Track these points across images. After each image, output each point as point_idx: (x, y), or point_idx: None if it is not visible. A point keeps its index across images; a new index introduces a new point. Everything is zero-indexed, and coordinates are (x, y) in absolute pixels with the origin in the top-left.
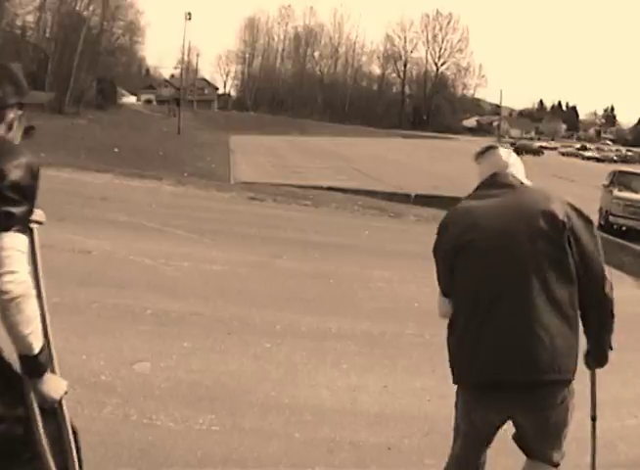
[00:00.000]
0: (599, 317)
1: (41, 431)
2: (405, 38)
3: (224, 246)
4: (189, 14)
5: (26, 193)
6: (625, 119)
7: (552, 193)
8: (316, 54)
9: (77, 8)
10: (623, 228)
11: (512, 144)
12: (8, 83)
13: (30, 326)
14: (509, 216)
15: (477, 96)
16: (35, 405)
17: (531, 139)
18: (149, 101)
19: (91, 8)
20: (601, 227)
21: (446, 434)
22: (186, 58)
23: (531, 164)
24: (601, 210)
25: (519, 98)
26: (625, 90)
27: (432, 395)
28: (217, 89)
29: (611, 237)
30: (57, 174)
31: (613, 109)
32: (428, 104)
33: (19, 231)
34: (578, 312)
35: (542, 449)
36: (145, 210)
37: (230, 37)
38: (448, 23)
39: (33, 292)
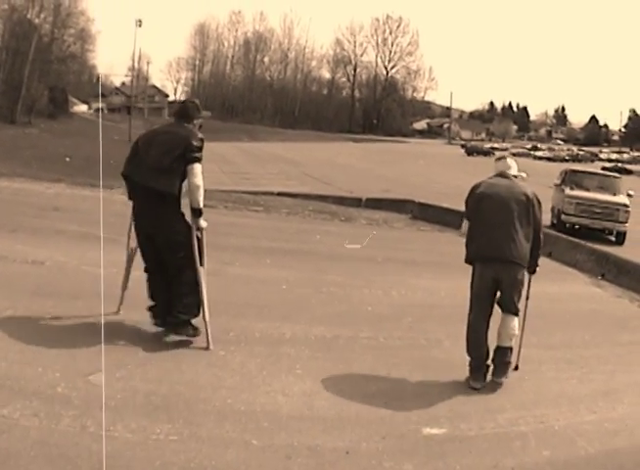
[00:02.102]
0: (536, 244)
1: (194, 242)
2: (355, 42)
3: None
4: (139, 21)
5: None
6: (576, 119)
7: (527, 186)
8: (266, 59)
9: (29, 16)
10: (576, 227)
11: (462, 146)
12: None
13: None
14: (504, 191)
15: (427, 99)
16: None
17: (482, 140)
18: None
19: (42, 16)
20: (553, 226)
21: (403, 436)
22: (137, 65)
23: (482, 166)
24: (553, 209)
25: (469, 100)
26: (576, 90)
27: (387, 397)
28: (168, 96)
29: (563, 236)
30: (8, 185)
31: (564, 109)
32: (378, 107)
33: None
34: (531, 240)
35: (510, 301)
36: (96, 219)
37: (181, 44)
38: (398, 26)
39: None
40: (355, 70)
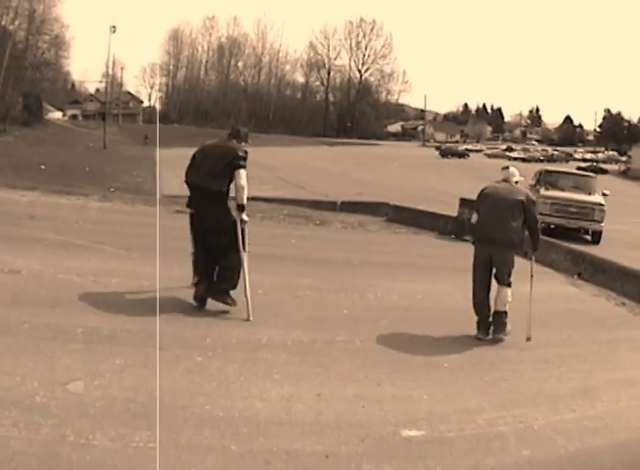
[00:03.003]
0: (534, 232)
1: (239, 231)
2: (329, 46)
3: (152, 260)
4: (114, 27)
5: None
6: (551, 119)
7: (523, 188)
8: (240, 64)
9: (3, 22)
10: (552, 226)
11: (437, 148)
12: None
13: None
14: (504, 192)
15: (401, 101)
16: (238, 222)
17: (457, 142)
18: (74, 116)
19: (17, 22)
20: None
21: (382, 439)
22: (111, 71)
23: (457, 168)
24: None
25: (443, 102)
26: (550, 90)
27: (366, 401)
28: (142, 102)
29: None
30: None
31: (538, 109)
32: (352, 111)
33: None
34: (522, 232)
35: (502, 276)
36: (72, 227)
37: (155, 49)
38: (372, 29)
39: None
40: (329, 74)
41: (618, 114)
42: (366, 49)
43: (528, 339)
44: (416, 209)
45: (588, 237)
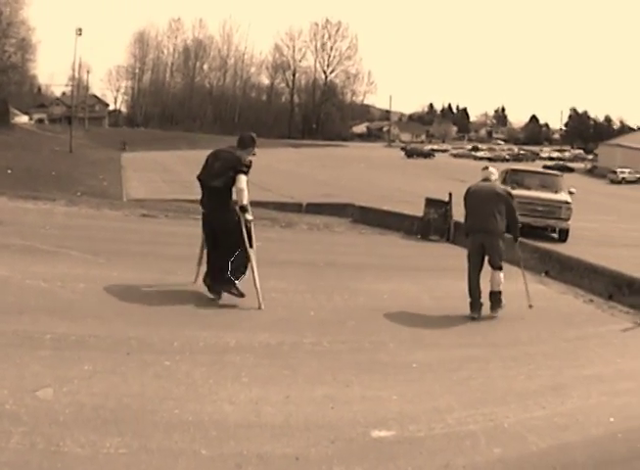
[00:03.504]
0: (513, 222)
1: (244, 230)
2: (294, 47)
3: (119, 265)
4: (80, 29)
5: None
6: (517, 119)
7: (501, 185)
8: (205, 66)
9: None
10: (519, 225)
11: (402, 148)
12: None
13: None
14: (487, 189)
15: (366, 102)
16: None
17: (422, 142)
18: (41, 120)
19: None
20: None
21: (352, 440)
22: (77, 75)
23: (422, 168)
24: None
25: (408, 102)
26: (516, 90)
27: (335, 402)
28: (108, 106)
29: (506, 234)
30: None
31: (503, 109)
32: (317, 112)
33: None
34: (505, 222)
35: (494, 260)
36: (39, 232)
37: (121, 52)
38: (337, 30)
39: None
40: (294, 76)
41: (585, 112)
42: (331, 50)
43: (530, 306)
44: (382, 209)
45: (555, 235)
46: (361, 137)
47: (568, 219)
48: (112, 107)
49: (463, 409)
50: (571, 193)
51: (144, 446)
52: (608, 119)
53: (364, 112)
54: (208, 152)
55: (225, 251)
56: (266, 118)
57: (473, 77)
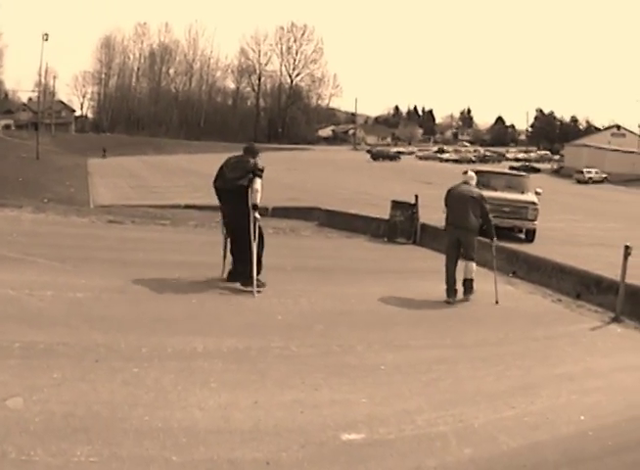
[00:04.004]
0: (486, 222)
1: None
2: (260, 51)
3: (86, 272)
4: (46, 35)
5: None
6: (482, 120)
7: (477, 189)
8: (171, 71)
9: None
10: (484, 227)
11: (368, 151)
12: None
13: None
14: (464, 191)
15: (332, 106)
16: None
17: (388, 145)
18: (7, 126)
19: None
20: None
21: (323, 444)
22: (43, 80)
23: (388, 171)
24: None
25: (374, 105)
26: (481, 92)
27: (304, 406)
28: (74, 111)
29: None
30: None
31: (469, 110)
32: (283, 116)
33: None
34: (479, 221)
35: (467, 253)
36: (6, 239)
37: (87, 57)
38: (303, 34)
39: None
40: (260, 80)
41: (551, 113)
42: (297, 54)
43: (497, 302)
44: (348, 212)
45: (522, 236)
46: (327, 140)
47: (534, 220)
48: (78, 112)
49: (433, 411)
50: (537, 193)
51: (114, 454)
52: (574, 120)
53: (330, 115)
54: (176, 157)
55: (243, 247)
56: (232, 123)
57: (438, 79)
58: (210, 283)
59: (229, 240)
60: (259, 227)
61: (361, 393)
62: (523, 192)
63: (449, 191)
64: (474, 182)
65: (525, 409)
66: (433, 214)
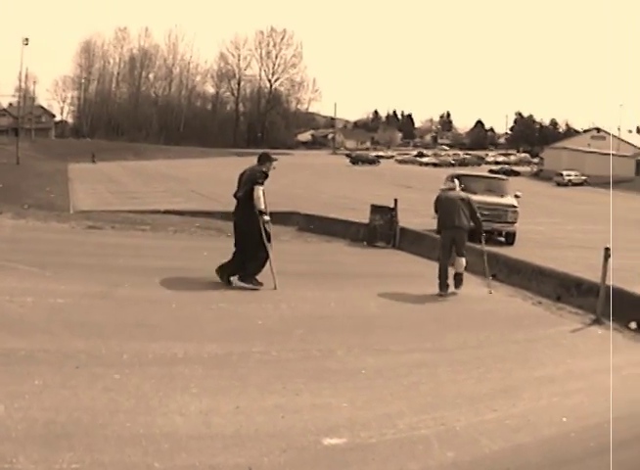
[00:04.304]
0: (476, 221)
1: (262, 231)
2: (239, 56)
3: (66, 278)
4: (26, 39)
5: None
6: (462, 124)
7: (463, 192)
8: (151, 76)
9: None
10: (480, 219)
11: (347, 155)
12: None
13: None
14: (454, 195)
15: (311, 110)
16: (261, 223)
17: (367, 149)
18: None
19: None
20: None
21: (304, 448)
22: (23, 85)
23: (367, 175)
24: None
25: (353, 110)
26: (460, 95)
27: (285, 411)
28: (54, 116)
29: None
30: None
31: (449, 114)
32: (262, 121)
33: None
34: (469, 220)
35: (460, 249)
36: None
37: (67, 62)
38: (282, 38)
39: None
40: (239, 84)
41: (530, 116)
42: (276, 58)
43: (490, 292)
44: (327, 217)
45: (502, 239)
46: (306, 145)
47: (514, 223)
48: (58, 118)
49: (414, 414)
50: (517, 196)
51: (97, 461)
52: (554, 123)
53: (309, 119)
54: (156, 162)
55: (247, 250)
56: (211, 128)
57: (417, 84)
58: (190, 288)
59: (235, 243)
60: (267, 230)
61: (342, 397)
62: (502, 195)
63: (438, 197)
64: (458, 188)
65: (507, 412)
66: (412, 218)
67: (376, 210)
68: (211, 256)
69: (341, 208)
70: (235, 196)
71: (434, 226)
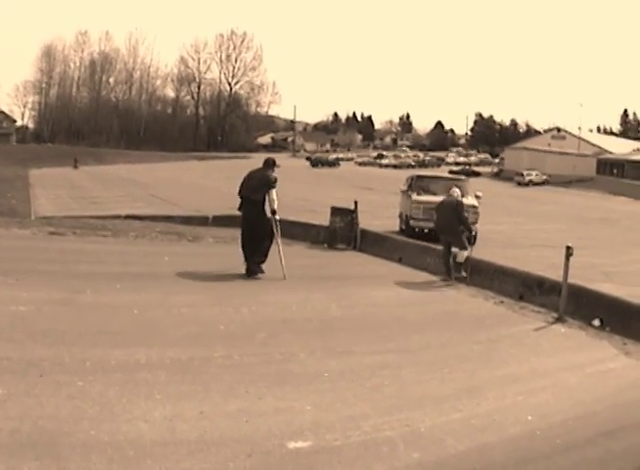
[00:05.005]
0: (464, 224)
1: (274, 226)
2: (199, 59)
3: (28, 285)
4: None
5: None
6: (422, 125)
7: (460, 199)
8: (111, 80)
9: None
10: (425, 231)
11: (307, 158)
12: None
13: None
14: (448, 202)
15: (271, 113)
16: (273, 222)
17: (327, 151)
18: None
19: None
20: (402, 232)
21: (269, 452)
22: None
23: (328, 177)
24: (401, 214)
25: (313, 112)
26: (420, 97)
27: (249, 415)
28: (15, 122)
29: (412, 240)
30: None
31: (408, 116)
32: (222, 124)
33: None
34: (460, 226)
35: (457, 245)
36: None
37: (28, 66)
38: (242, 41)
39: None
40: (199, 88)
41: (490, 117)
42: (236, 61)
43: (466, 277)
44: (287, 220)
45: None
46: (266, 148)
47: (475, 223)
48: (19, 123)
49: (378, 416)
50: (477, 197)
51: (63, 469)
52: (514, 123)
53: (269, 122)
54: (117, 166)
55: (257, 242)
56: (172, 132)
57: (377, 85)
58: (152, 294)
59: (244, 236)
60: (277, 226)
61: (305, 400)
62: (462, 196)
63: (439, 203)
64: (457, 194)
65: (472, 412)
66: (373, 220)
67: (336, 212)
68: (172, 261)
69: (301, 210)
70: (240, 194)
71: (396, 228)
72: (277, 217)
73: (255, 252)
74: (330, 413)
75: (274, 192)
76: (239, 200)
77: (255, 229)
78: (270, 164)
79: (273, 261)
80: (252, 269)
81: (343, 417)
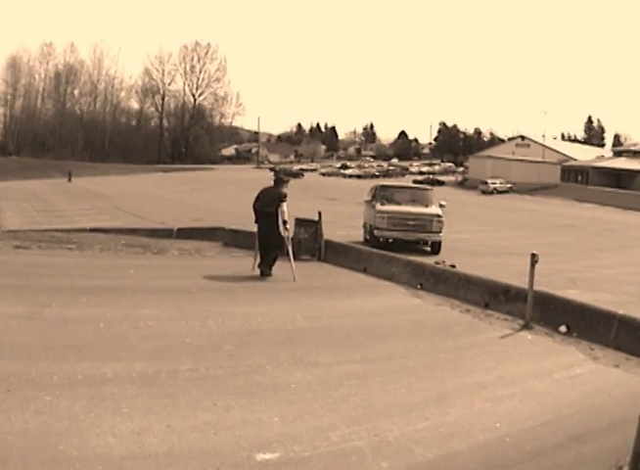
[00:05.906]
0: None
1: (284, 235)
2: (164, 71)
3: None
4: None
5: None
6: (385, 135)
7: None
8: (76, 92)
9: None
10: (390, 240)
11: (271, 169)
12: None
13: None
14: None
15: (235, 124)
16: (282, 231)
17: (291, 162)
18: None
19: None
20: (367, 242)
21: (237, 465)
22: None
23: (292, 188)
24: (365, 225)
25: (277, 123)
26: (383, 107)
27: (217, 428)
28: None
29: (376, 250)
30: None
31: (372, 126)
32: (186, 136)
33: None
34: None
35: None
36: None
37: None
38: (206, 53)
39: None
40: (163, 100)
41: (454, 126)
42: (200, 73)
43: (453, 266)
44: (252, 232)
45: (428, 248)
46: (230, 159)
47: (439, 232)
48: None
49: (346, 426)
50: (441, 206)
51: None
52: (478, 132)
53: (233, 134)
54: (82, 179)
55: (271, 248)
56: (136, 144)
57: (340, 96)
58: (118, 307)
59: (260, 244)
60: (287, 237)
61: (273, 412)
62: (427, 205)
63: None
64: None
65: (440, 420)
66: (337, 230)
67: (300, 223)
68: (138, 273)
69: None
70: (254, 208)
71: (360, 238)
72: (288, 227)
73: (267, 257)
74: (298, 424)
75: (284, 205)
76: (254, 214)
77: (268, 239)
78: (281, 181)
79: (244, 272)
80: (264, 271)
81: (311, 428)
